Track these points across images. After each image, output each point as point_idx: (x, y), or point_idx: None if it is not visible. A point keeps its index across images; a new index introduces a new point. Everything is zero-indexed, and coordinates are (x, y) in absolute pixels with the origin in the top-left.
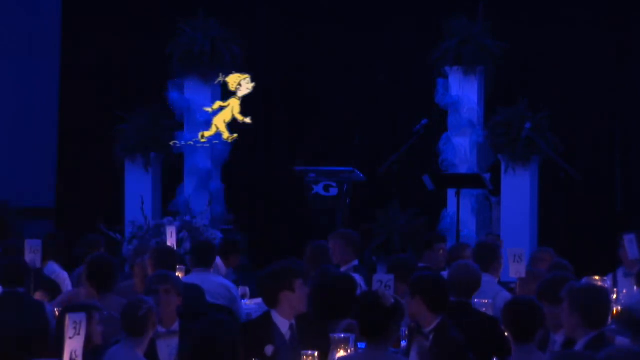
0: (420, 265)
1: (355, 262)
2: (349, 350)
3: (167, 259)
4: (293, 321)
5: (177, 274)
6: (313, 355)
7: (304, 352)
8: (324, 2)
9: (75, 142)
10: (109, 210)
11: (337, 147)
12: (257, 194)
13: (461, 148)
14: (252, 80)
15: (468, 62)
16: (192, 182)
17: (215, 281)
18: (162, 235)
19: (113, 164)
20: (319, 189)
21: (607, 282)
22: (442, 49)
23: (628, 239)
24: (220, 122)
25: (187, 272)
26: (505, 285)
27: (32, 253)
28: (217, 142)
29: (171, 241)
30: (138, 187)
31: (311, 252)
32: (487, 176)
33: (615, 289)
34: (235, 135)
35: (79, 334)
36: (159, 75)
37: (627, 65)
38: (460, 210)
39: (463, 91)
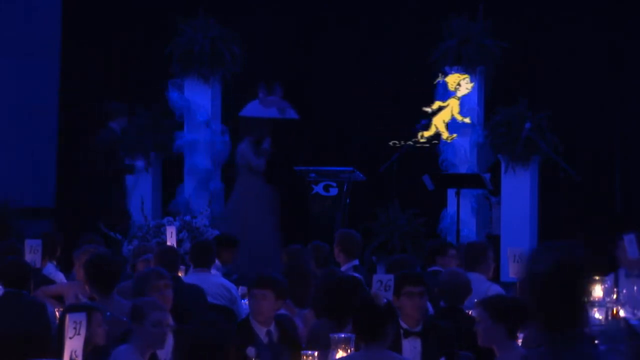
0: (431, 269)
1: (356, 262)
2: (349, 351)
3: (170, 259)
4: (271, 327)
5: (178, 274)
6: (313, 356)
7: (304, 352)
8: (323, 2)
9: (75, 142)
10: (109, 210)
11: (337, 147)
12: None
13: (461, 148)
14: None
15: (468, 62)
16: (192, 182)
17: (215, 281)
18: (162, 235)
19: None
20: (319, 189)
21: (608, 282)
22: (442, 49)
23: (628, 239)
24: (439, 122)
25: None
26: (505, 285)
27: (32, 253)
28: (436, 141)
29: (171, 241)
30: (138, 187)
31: (311, 252)
32: (487, 176)
33: (615, 289)
34: (455, 135)
35: (79, 334)
36: (159, 75)
37: (627, 66)
38: (460, 210)
39: None
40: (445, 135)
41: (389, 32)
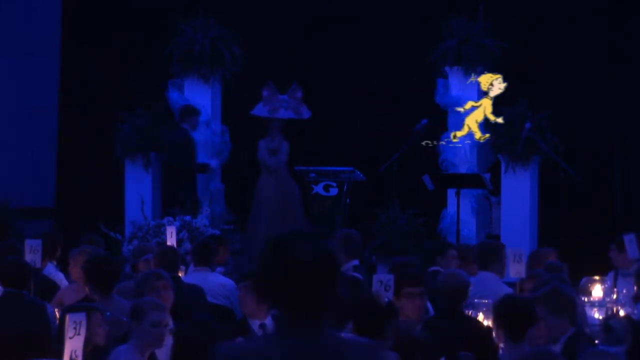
0: (431, 270)
1: (356, 262)
2: None
3: (170, 259)
4: (266, 321)
5: (178, 274)
6: None
7: None
8: (323, 2)
9: (75, 142)
10: (109, 210)
11: (337, 147)
12: None
13: (461, 148)
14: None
15: (468, 62)
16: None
17: (215, 281)
18: (162, 235)
19: (113, 164)
20: (319, 189)
21: (607, 282)
22: (442, 49)
23: (628, 239)
24: (472, 122)
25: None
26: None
27: (32, 253)
28: (468, 142)
29: (171, 241)
30: (138, 187)
31: None
32: (487, 176)
33: (615, 289)
34: (488, 135)
35: (79, 334)
36: (159, 75)
37: (627, 66)
38: (460, 210)
39: (463, 91)
40: (478, 135)
41: (389, 32)
